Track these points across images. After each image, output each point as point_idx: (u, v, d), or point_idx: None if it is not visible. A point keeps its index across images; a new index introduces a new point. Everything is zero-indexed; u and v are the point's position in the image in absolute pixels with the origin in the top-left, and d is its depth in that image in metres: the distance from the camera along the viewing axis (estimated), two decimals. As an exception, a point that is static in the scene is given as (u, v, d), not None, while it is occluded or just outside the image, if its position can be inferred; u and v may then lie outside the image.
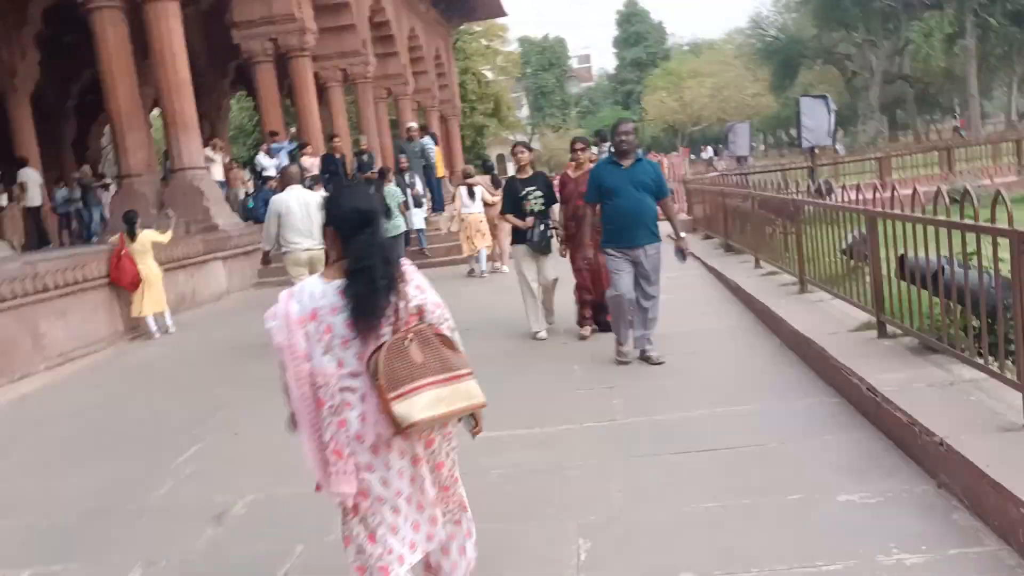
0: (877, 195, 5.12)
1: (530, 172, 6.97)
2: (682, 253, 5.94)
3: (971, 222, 3.67)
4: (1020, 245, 3.25)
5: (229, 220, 12.79)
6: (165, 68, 11.56)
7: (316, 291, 2.40)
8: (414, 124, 15.59)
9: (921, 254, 4.32)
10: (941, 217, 4.01)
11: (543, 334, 6.79)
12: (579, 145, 6.82)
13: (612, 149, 5.95)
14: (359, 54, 19.79)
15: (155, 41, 11.49)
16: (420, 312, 2.45)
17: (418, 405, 2.28)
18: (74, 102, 20.97)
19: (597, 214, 5.85)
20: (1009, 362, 3.45)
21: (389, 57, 22.69)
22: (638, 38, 66.94)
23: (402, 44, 23.31)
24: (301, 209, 7.27)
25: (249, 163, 18.64)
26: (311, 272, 6.75)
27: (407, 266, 2.48)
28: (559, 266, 6.89)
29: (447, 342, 2.42)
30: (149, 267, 9.10)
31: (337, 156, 13.66)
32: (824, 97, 15.56)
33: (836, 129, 16.12)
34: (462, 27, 35.96)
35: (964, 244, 3.74)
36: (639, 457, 4.04)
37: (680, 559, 2.96)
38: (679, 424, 4.44)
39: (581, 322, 6.78)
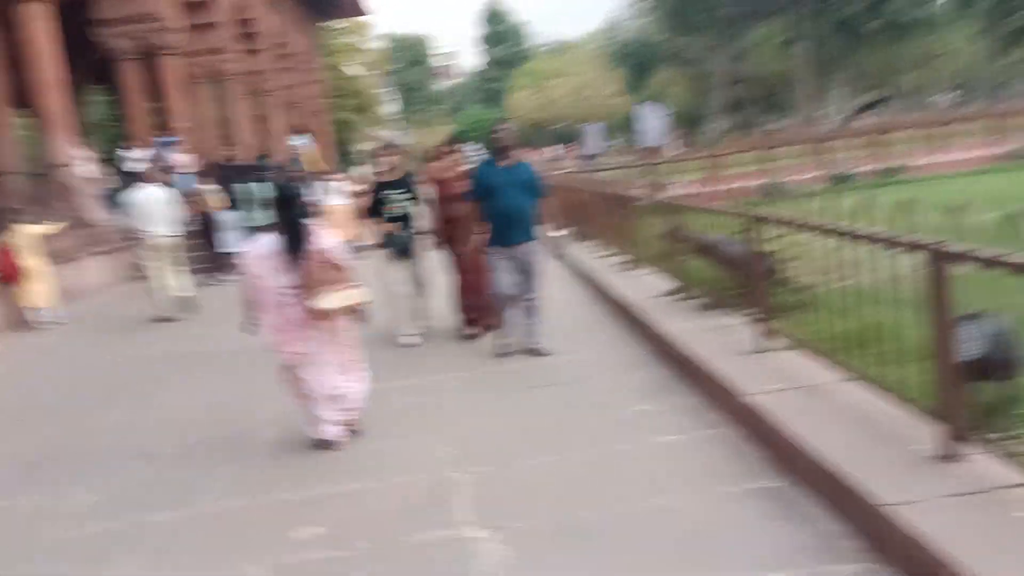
0: (684, 191, 6.49)
1: (397, 175, 6.65)
2: (559, 249, 6.29)
3: (737, 211, 5.01)
4: (750, 223, 4.61)
5: (102, 216, 13.02)
6: (37, 69, 11.72)
7: (268, 242, 4.28)
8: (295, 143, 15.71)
9: (709, 235, 5.70)
10: (716, 208, 5.38)
11: (415, 339, 6.55)
12: (448, 148, 6.91)
13: (491, 150, 6.05)
14: (224, 51, 20.03)
15: (26, 42, 11.63)
16: (322, 251, 4.23)
17: (324, 301, 4.16)
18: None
19: (476, 212, 5.87)
20: (748, 314, 4.83)
21: (254, 54, 22.93)
22: (500, 37, 68.65)
23: (267, 41, 23.56)
24: (148, 203, 9.33)
25: (111, 159, 18.54)
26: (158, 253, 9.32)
27: (314, 226, 4.34)
28: (431, 268, 6.85)
29: (338, 267, 4.25)
30: (33, 261, 9.45)
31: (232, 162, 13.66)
32: (659, 104, 17.40)
33: (669, 131, 17.99)
34: (326, 23, 36.18)
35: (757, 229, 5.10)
36: (495, 393, 5.18)
37: (519, 448, 4.11)
38: (527, 369, 5.62)
39: (466, 324, 6.64)
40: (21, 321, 9.48)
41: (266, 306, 4.30)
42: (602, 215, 9.76)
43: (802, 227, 4.13)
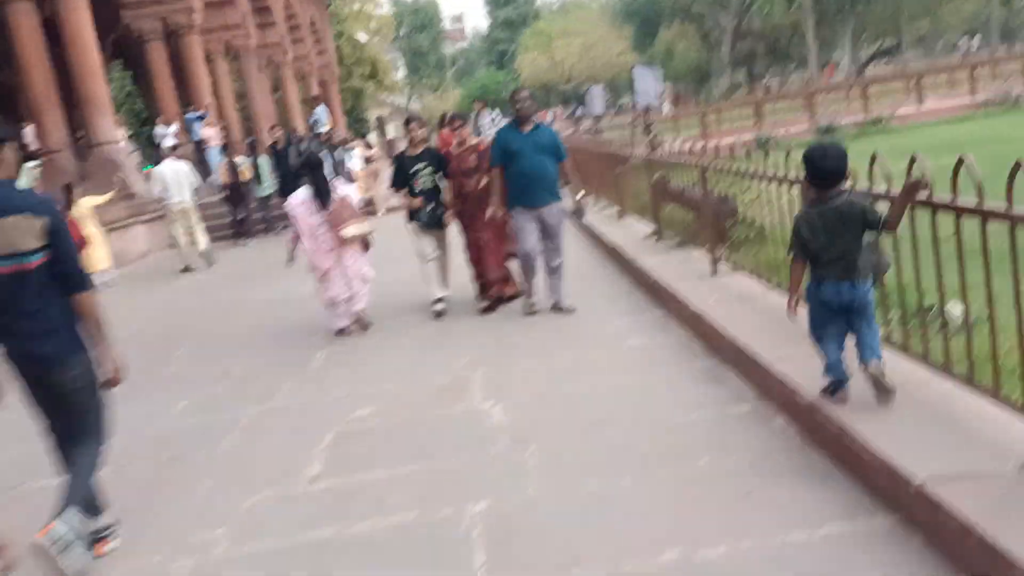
0: (674, 147, 7.52)
1: (421, 148, 6.69)
2: (580, 211, 6.52)
3: (695, 163, 6.07)
4: (703, 172, 5.69)
5: (144, 188, 14.21)
6: (78, 55, 12.83)
7: (305, 193, 6.14)
8: (332, 133, 16.52)
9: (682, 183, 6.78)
10: (684, 161, 6.43)
11: (439, 307, 6.67)
12: (458, 123, 6.82)
13: (513, 115, 6.22)
14: (240, 26, 21.01)
15: (68, 31, 12.73)
16: (342, 200, 6.12)
17: (345, 231, 6.06)
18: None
19: (500, 177, 6.09)
20: (702, 247, 5.94)
21: (268, 27, 23.87)
22: (508, -2, 68.76)
23: (279, 14, 24.47)
24: (173, 175, 11.20)
25: (135, 135, 19.76)
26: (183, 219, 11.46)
27: (337, 183, 6.22)
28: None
29: (353, 209, 6.18)
30: (92, 229, 10.67)
31: (279, 146, 14.42)
32: (652, 65, 18.34)
33: (663, 92, 18.95)
34: (335, -8, 36.88)
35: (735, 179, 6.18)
36: (499, 320, 6.33)
37: (517, 354, 5.26)
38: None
39: (480, 297, 6.77)
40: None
41: (305, 236, 6.21)
42: (596, 173, 10.81)
43: (738, 174, 5.22)
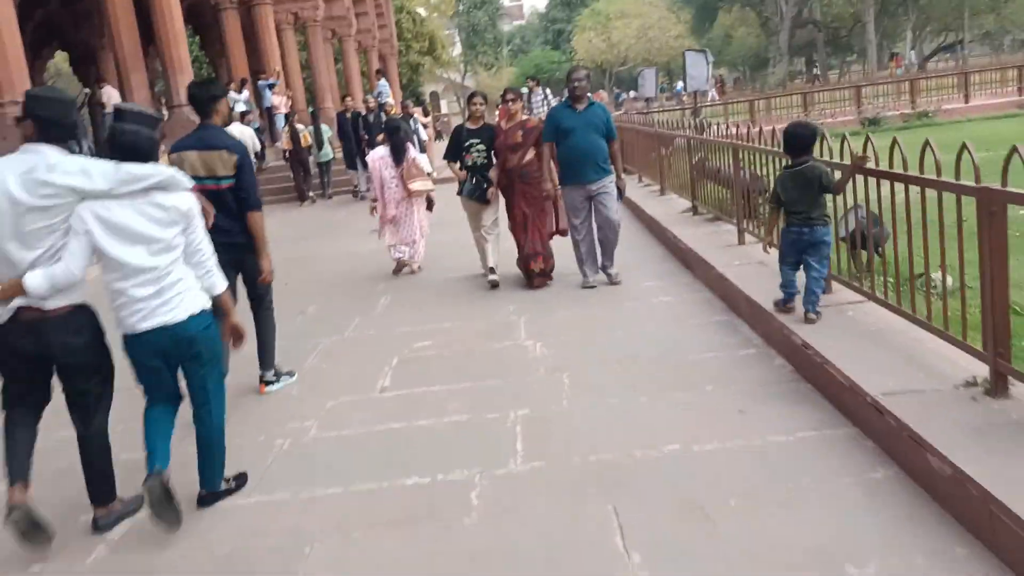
0: (718, 131, 8.11)
1: (480, 123, 6.87)
2: (619, 191, 6.56)
3: (731, 143, 6.65)
4: (736, 154, 6.29)
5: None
6: (164, 20, 13.78)
7: (383, 151, 7.56)
8: (409, 102, 17.26)
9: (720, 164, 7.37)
10: (725, 140, 7.01)
11: (493, 277, 6.80)
12: (511, 96, 6.85)
13: (567, 93, 6.42)
14: (307, -1, 21.84)
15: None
16: (412, 160, 7.42)
17: (412, 185, 7.44)
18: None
19: (553, 154, 6.35)
20: (733, 220, 6.54)
21: (334, 1, 24.68)
22: (567, -23, 68.60)
23: (345, -14, 25.24)
24: (240, 138, 12.16)
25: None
26: None
27: (409, 148, 7.44)
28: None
29: (420, 168, 7.50)
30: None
31: (348, 115, 14.93)
32: (704, 51, 18.74)
33: (712, 77, 19.30)
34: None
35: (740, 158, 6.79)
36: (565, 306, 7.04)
37: (557, 306, 5.96)
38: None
39: (523, 267, 6.81)
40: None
41: (377, 186, 7.62)
42: (642, 152, 11.39)
43: (767, 153, 5.80)
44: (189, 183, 3.27)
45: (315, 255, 9.53)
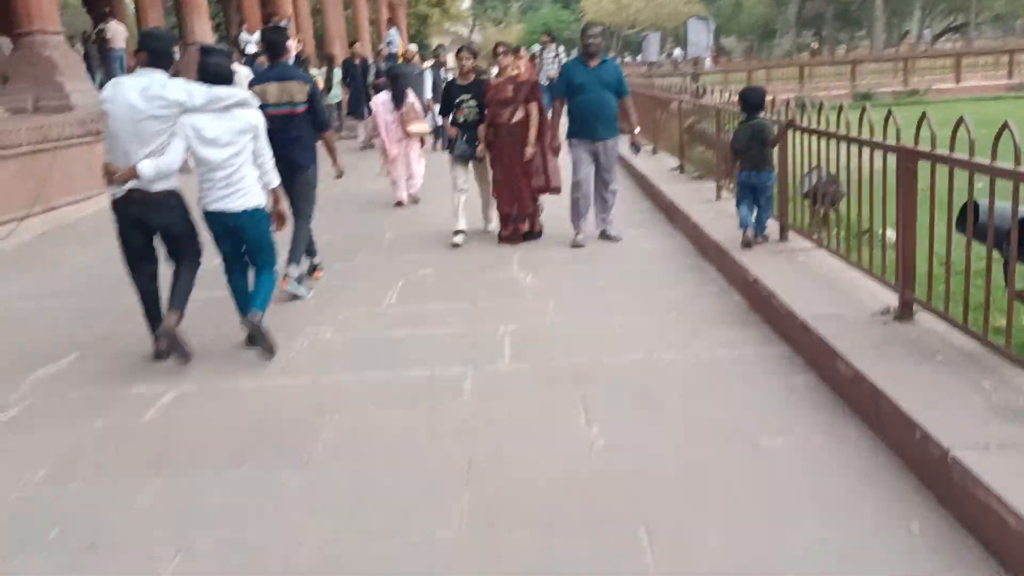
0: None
1: (471, 78, 6.80)
2: (636, 146, 6.74)
3: (714, 107, 7.20)
4: (718, 116, 6.85)
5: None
6: (184, -41, 14.13)
7: (386, 96, 8.63)
8: (412, 47, 17.30)
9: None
10: (707, 105, 7.56)
11: (458, 239, 6.75)
12: (500, 49, 6.69)
13: (581, 49, 6.47)
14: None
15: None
16: (411, 104, 8.60)
17: (410, 127, 8.59)
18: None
19: (561, 109, 6.53)
20: (723, 182, 7.13)
21: (344, -53, 24.79)
22: (580, -65, 67.84)
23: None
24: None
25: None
26: None
27: (408, 94, 8.52)
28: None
29: (418, 112, 8.67)
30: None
31: (356, 61, 15.18)
32: (706, 19, 19.15)
33: (712, 44, 19.72)
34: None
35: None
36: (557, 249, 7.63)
37: (549, 253, 6.56)
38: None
39: (502, 226, 6.85)
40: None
41: (381, 128, 8.66)
42: (640, 113, 11.88)
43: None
44: (257, 103, 4.27)
45: (324, 192, 10.04)
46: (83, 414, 3.82)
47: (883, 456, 2.90)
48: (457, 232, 6.81)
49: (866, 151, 4.08)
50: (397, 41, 17.59)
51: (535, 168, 6.66)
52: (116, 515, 2.89)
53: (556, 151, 6.70)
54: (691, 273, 5.59)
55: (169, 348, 4.15)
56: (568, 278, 5.68)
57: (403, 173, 8.81)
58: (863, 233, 4.62)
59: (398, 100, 8.54)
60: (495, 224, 7.04)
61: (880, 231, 5.06)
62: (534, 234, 6.82)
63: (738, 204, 5.38)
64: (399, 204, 8.75)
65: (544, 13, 63.92)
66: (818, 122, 4.73)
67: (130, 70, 15.60)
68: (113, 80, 4.27)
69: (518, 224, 6.75)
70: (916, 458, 2.72)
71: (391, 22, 19.84)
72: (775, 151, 5.22)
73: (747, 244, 5.20)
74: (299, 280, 5.52)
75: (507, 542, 2.58)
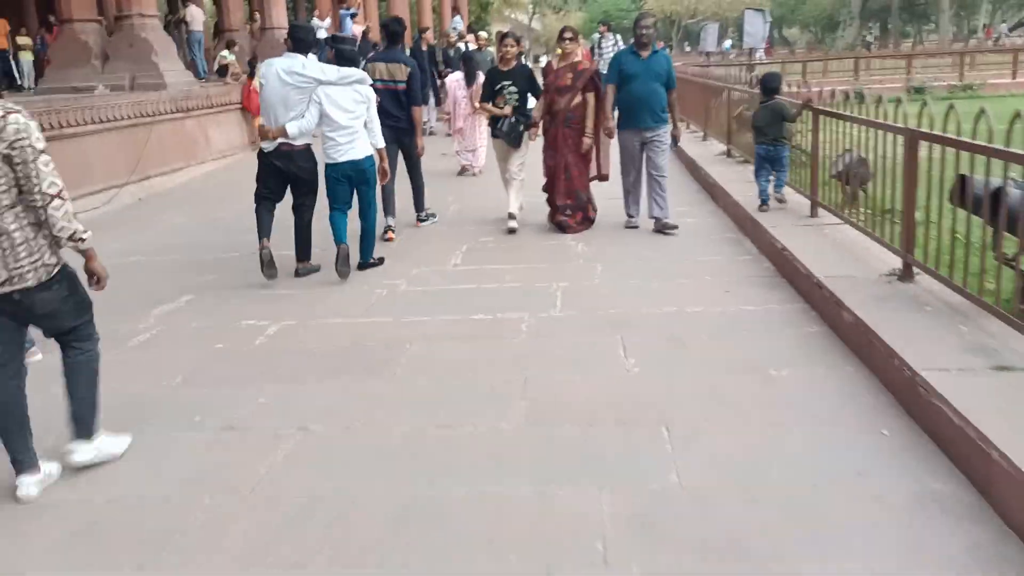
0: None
1: (512, 64, 6.91)
2: (674, 139, 6.71)
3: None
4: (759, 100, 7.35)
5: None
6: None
7: (459, 76, 10.16)
8: (483, 34, 17.42)
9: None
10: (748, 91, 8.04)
11: (512, 223, 6.81)
12: (568, 34, 6.70)
13: (633, 39, 6.59)
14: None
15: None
16: (480, 83, 8.34)
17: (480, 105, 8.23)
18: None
19: (611, 96, 6.51)
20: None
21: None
22: (644, -76, 67.51)
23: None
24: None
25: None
26: None
27: (478, 75, 9.37)
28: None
29: None
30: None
31: (424, 48, 14.90)
32: (763, 11, 19.38)
33: (768, 36, 19.97)
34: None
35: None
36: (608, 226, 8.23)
37: (602, 225, 7.16)
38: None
39: (551, 217, 6.88)
40: (252, 141, 13.16)
41: (451, 103, 10.05)
42: (693, 101, 12.37)
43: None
44: (370, 80, 5.54)
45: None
46: (204, 339, 4.59)
47: (869, 382, 3.48)
48: (511, 216, 6.82)
49: (882, 134, 4.60)
50: (461, 28, 18.29)
51: (588, 156, 6.71)
52: (244, 408, 3.63)
53: (611, 134, 6.67)
54: (728, 244, 6.15)
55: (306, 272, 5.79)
56: (616, 247, 6.29)
57: (468, 144, 10.00)
58: (886, 212, 5.15)
59: (469, 79, 9.81)
60: (515, 207, 6.88)
61: (900, 209, 5.60)
62: (588, 221, 6.83)
63: (756, 175, 6.37)
64: (463, 171, 10.02)
65: (604, 1, 63.97)
66: (844, 109, 5.24)
67: (206, 51, 16.57)
68: (266, 61, 5.64)
69: (575, 214, 6.74)
70: (892, 380, 3.29)
71: (456, 10, 20.55)
72: (800, 136, 5.87)
73: (763, 207, 6.23)
74: (426, 217, 7.29)
75: (556, 434, 3.23)
